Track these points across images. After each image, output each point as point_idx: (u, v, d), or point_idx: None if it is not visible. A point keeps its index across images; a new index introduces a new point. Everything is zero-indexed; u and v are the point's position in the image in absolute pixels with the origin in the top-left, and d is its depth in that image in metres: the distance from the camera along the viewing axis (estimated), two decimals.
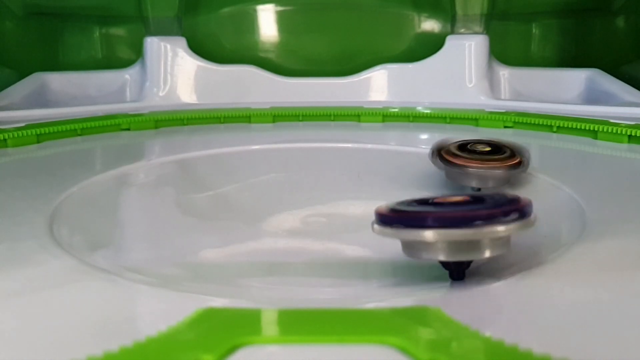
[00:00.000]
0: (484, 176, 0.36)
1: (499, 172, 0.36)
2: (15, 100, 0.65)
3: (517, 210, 0.22)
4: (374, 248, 0.32)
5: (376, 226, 0.23)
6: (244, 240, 0.34)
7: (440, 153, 0.37)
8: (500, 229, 0.21)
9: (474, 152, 0.37)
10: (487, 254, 0.21)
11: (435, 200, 0.23)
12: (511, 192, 0.31)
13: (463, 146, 0.38)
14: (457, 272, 0.23)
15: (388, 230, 0.22)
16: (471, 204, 0.22)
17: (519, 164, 0.36)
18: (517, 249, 0.33)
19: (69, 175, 0.41)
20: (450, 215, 0.21)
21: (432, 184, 0.45)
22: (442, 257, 0.22)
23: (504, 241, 0.22)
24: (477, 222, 0.20)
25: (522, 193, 0.40)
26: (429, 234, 0.21)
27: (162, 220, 0.36)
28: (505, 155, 0.37)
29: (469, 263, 0.23)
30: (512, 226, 0.21)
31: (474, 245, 0.21)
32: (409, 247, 0.22)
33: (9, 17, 0.74)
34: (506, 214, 0.21)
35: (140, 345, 0.16)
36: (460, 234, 0.20)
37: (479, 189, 0.36)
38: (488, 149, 0.37)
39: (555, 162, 0.47)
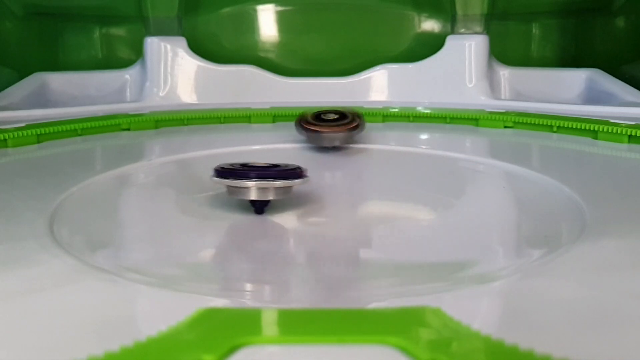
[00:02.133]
0: (331, 137, 0.50)
1: (341, 134, 0.50)
2: (16, 100, 0.65)
3: (293, 175, 0.35)
4: (374, 248, 0.32)
5: (214, 178, 0.35)
6: (243, 240, 0.34)
7: (301, 123, 0.51)
8: (277, 183, 0.34)
9: (326, 120, 0.51)
10: (272, 196, 0.34)
11: (250, 164, 0.35)
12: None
13: (318, 116, 0.51)
14: (260, 208, 0.35)
15: (222, 180, 0.34)
16: (269, 168, 0.35)
17: (357, 127, 0.50)
18: (517, 248, 0.33)
19: (69, 175, 0.41)
20: (260, 173, 0.34)
21: (432, 183, 0.45)
22: (253, 197, 0.34)
23: (284, 190, 0.35)
24: (270, 179, 0.34)
25: (524, 193, 0.41)
26: (249, 183, 0.33)
27: (162, 220, 0.36)
28: (347, 120, 0.51)
29: (267, 202, 0.35)
30: (282, 182, 0.34)
31: (267, 191, 0.34)
32: (233, 191, 0.34)
33: (9, 17, 0.74)
34: (283, 176, 0.34)
35: (141, 345, 0.16)
36: (262, 184, 0.33)
37: (334, 147, 0.51)
38: (336, 116, 0.51)
39: (555, 162, 0.47)
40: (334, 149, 0.51)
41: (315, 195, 0.41)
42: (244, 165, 0.36)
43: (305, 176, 0.36)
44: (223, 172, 0.35)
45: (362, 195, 0.42)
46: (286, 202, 0.36)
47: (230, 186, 0.34)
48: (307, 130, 0.50)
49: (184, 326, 0.18)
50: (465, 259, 0.30)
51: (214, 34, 0.81)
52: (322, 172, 0.48)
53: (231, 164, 0.36)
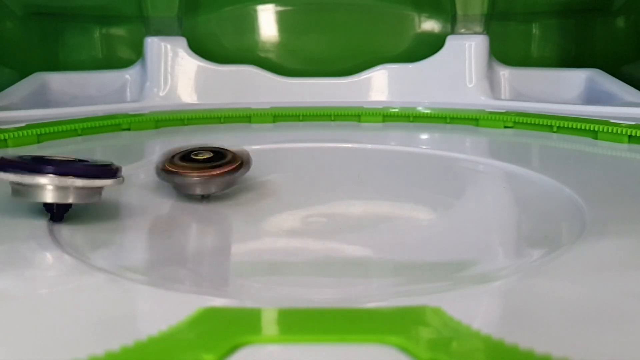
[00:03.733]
0: (205, 183, 0.37)
1: (219, 179, 0.37)
2: (16, 100, 0.65)
3: (105, 171, 0.29)
4: (374, 248, 0.32)
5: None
6: (244, 240, 0.34)
7: (165, 166, 0.37)
8: (86, 182, 0.28)
9: (196, 160, 0.37)
10: (76, 200, 0.28)
11: (47, 157, 0.29)
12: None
13: (186, 155, 0.38)
14: (58, 214, 0.29)
15: (6, 175, 0.27)
16: (75, 162, 0.29)
17: (239, 166, 0.37)
18: (517, 249, 0.33)
19: None
20: (57, 168, 0.27)
21: (432, 183, 0.45)
22: (48, 199, 0.27)
23: (88, 192, 0.29)
24: (70, 177, 0.27)
25: (524, 193, 0.41)
26: (41, 179, 0.26)
27: (163, 221, 0.36)
28: (226, 160, 0.37)
29: (68, 206, 0.29)
30: (96, 181, 0.29)
31: (68, 192, 0.27)
32: (20, 191, 0.27)
33: (9, 17, 0.74)
34: (94, 173, 0.28)
35: (142, 345, 0.16)
36: (61, 181, 0.27)
37: (208, 196, 0.38)
38: (209, 155, 0.37)
39: (555, 162, 0.47)
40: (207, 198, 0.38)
41: (314, 195, 0.41)
42: (38, 158, 0.29)
43: (119, 176, 0.30)
44: (4, 164, 0.27)
45: (361, 195, 0.42)
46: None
47: (15, 183, 0.27)
48: (167, 174, 0.37)
49: (184, 326, 0.18)
50: (465, 259, 0.30)
51: (214, 34, 0.81)
52: (323, 171, 0.48)
53: (20, 156, 0.29)
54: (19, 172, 0.27)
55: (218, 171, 0.36)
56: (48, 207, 0.28)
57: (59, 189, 0.27)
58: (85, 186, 0.28)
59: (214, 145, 0.39)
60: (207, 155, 0.37)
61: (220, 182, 0.37)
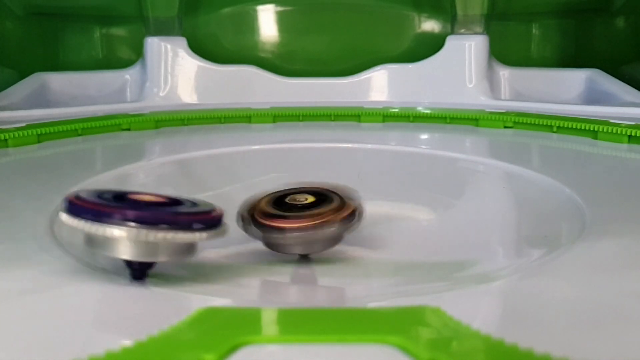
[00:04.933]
0: (307, 241, 0.27)
1: (330, 231, 0.27)
2: (16, 100, 0.65)
3: (205, 220, 0.22)
4: (374, 248, 0.32)
5: (64, 215, 0.22)
6: (244, 240, 0.34)
7: (251, 214, 0.28)
8: (181, 235, 0.21)
9: (293, 206, 0.28)
10: (166, 257, 0.22)
11: (130, 197, 0.23)
12: None
13: (280, 199, 0.28)
14: (140, 272, 0.23)
15: (75, 221, 0.21)
16: (165, 206, 0.22)
17: (352, 214, 0.28)
18: (517, 248, 0.33)
19: (69, 175, 0.41)
20: (139, 215, 0.21)
21: (432, 183, 0.45)
22: (126, 256, 0.21)
23: (186, 247, 0.22)
24: (163, 226, 0.21)
25: (524, 193, 0.41)
26: (115, 231, 0.20)
27: None
28: (334, 205, 0.28)
29: (151, 264, 0.23)
30: (194, 235, 0.22)
31: (155, 247, 0.21)
32: (93, 242, 0.22)
33: (9, 17, 0.74)
34: (190, 222, 0.21)
35: (142, 345, 0.16)
36: (144, 235, 0.20)
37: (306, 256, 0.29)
38: (311, 199, 0.28)
39: (555, 162, 0.47)
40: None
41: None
42: (120, 195, 0.23)
43: (222, 225, 0.24)
44: (78, 207, 0.21)
45: (361, 195, 0.42)
46: None
47: (90, 233, 0.21)
48: (261, 227, 0.27)
49: (185, 326, 0.18)
50: (465, 259, 0.30)
51: (214, 34, 0.81)
52: (323, 171, 0.48)
53: (99, 193, 0.23)
54: (91, 219, 0.21)
55: (321, 221, 0.27)
56: (128, 262, 0.22)
57: (142, 244, 0.21)
58: (176, 241, 0.21)
59: (314, 185, 0.30)
60: (305, 199, 0.28)
61: (326, 239, 0.27)
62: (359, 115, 0.66)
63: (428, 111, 0.66)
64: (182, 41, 0.73)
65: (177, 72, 0.72)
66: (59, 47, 0.80)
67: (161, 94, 0.71)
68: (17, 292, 0.23)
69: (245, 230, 0.28)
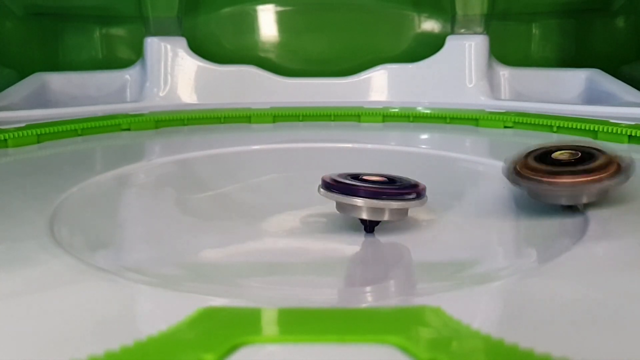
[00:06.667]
0: (576, 192, 0.31)
1: (597, 185, 0.30)
2: (16, 100, 0.65)
3: (415, 192, 0.31)
4: (374, 248, 0.32)
5: (322, 190, 0.32)
6: (244, 240, 0.34)
7: (517, 168, 0.32)
8: (399, 204, 0.31)
9: (558, 162, 0.32)
10: (388, 217, 0.31)
11: (363, 177, 0.32)
12: None
13: (543, 156, 0.32)
14: (370, 227, 0.32)
15: (330, 194, 0.31)
16: (385, 183, 0.32)
17: (617, 171, 0.30)
18: (517, 249, 0.33)
19: (69, 175, 0.41)
20: (371, 190, 0.31)
21: (432, 183, 0.45)
22: (364, 216, 0.31)
23: (403, 211, 0.32)
24: (384, 197, 0.31)
25: (522, 193, 0.41)
26: (358, 201, 0.30)
27: (162, 220, 0.36)
28: (600, 162, 0.31)
29: (378, 222, 0.32)
30: (407, 203, 0.31)
31: (381, 211, 0.31)
32: (342, 207, 0.32)
33: (9, 18, 0.74)
34: (405, 194, 0.31)
35: (141, 345, 0.16)
36: (374, 203, 0.30)
37: (572, 206, 0.32)
38: (575, 155, 0.32)
39: None
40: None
41: (314, 195, 0.41)
42: (355, 177, 0.32)
43: (424, 196, 0.32)
44: (331, 186, 0.31)
45: None
46: None
47: (340, 202, 0.31)
48: (531, 180, 0.32)
49: (184, 326, 0.18)
50: (465, 259, 0.30)
51: (214, 34, 0.81)
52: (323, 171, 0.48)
53: (339, 175, 0.32)
54: (341, 194, 0.31)
55: (590, 178, 0.30)
56: (362, 221, 0.32)
57: (374, 209, 0.30)
58: (396, 208, 0.31)
59: (578, 144, 0.33)
60: (569, 155, 0.32)
61: (593, 190, 0.30)
62: (358, 115, 0.66)
63: (428, 111, 0.66)
64: (182, 41, 0.73)
65: (177, 72, 0.72)
66: (59, 47, 0.80)
67: (161, 94, 0.71)
68: (17, 292, 0.23)
69: (511, 181, 0.33)
